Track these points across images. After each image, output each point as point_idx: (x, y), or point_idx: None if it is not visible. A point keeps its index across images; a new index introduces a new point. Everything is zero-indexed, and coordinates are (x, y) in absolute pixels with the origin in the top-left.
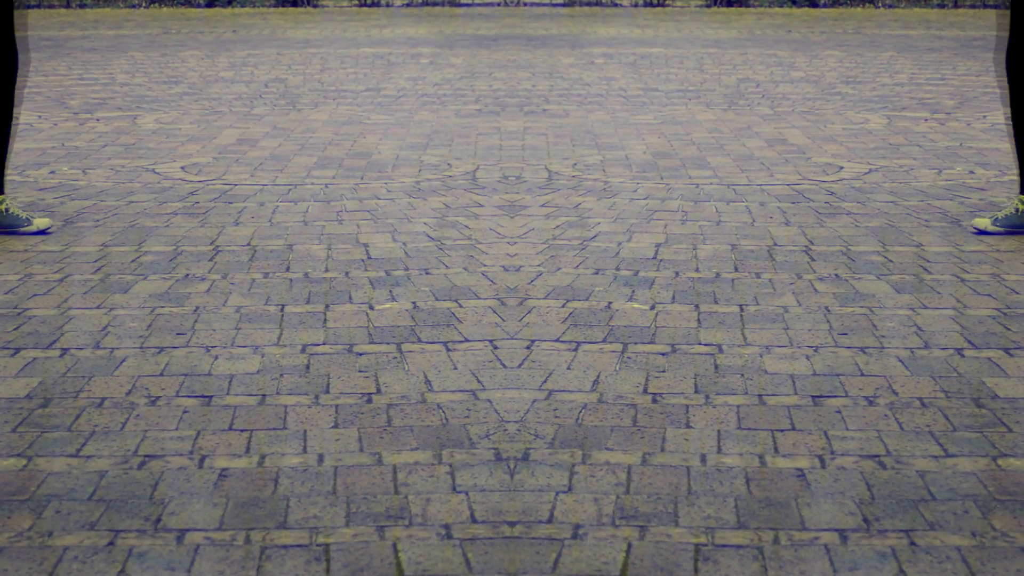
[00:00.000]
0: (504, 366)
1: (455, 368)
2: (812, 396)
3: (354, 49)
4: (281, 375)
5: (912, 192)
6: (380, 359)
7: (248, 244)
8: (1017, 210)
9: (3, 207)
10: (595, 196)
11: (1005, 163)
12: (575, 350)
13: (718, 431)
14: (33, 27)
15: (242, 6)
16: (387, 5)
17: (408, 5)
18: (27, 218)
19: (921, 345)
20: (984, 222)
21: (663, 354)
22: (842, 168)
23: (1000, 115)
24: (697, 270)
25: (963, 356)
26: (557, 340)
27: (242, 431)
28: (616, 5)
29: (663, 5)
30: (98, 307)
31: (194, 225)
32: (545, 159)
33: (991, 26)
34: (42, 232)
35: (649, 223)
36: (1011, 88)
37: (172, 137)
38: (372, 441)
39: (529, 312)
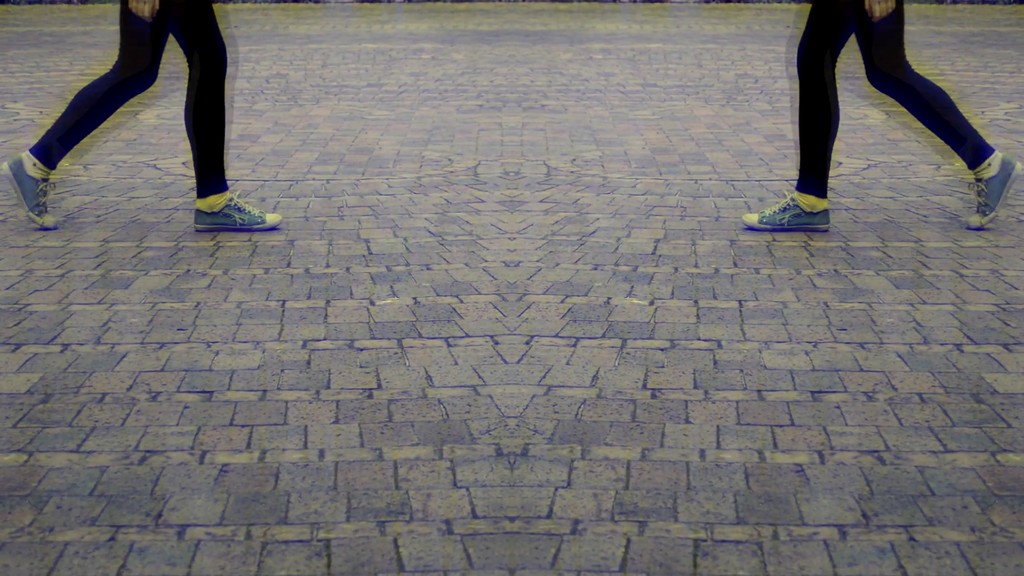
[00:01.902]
0: (505, 362)
1: (456, 364)
2: (811, 391)
3: (355, 45)
4: (282, 370)
5: (911, 188)
6: (381, 354)
7: (249, 240)
8: (789, 206)
9: (231, 203)
10: (594, 192)
11: None
12: (574, 345)
13: (717, 426)
14: (35, 23)
15: (243, 1)
16: (388, 1)
17: (409, 0)
18: (260, 215)
19: (920, 340)
20: (752, 218)
21: (662, 349)
22: (841, 164)
23: (999, 111)
24: (696, 265)
25: (962, 352)
26: (556, 336)
27: (243, 427)
28: (615, 0)
29: (661, 0)
30: (99, 302)
31: (195, 221)
32: (544, 155)
33: (989, 22)
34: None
35: (648, 219)
36: (802, 85)
37: (173, 132)
38: (373, 436)
39: (528, 308)
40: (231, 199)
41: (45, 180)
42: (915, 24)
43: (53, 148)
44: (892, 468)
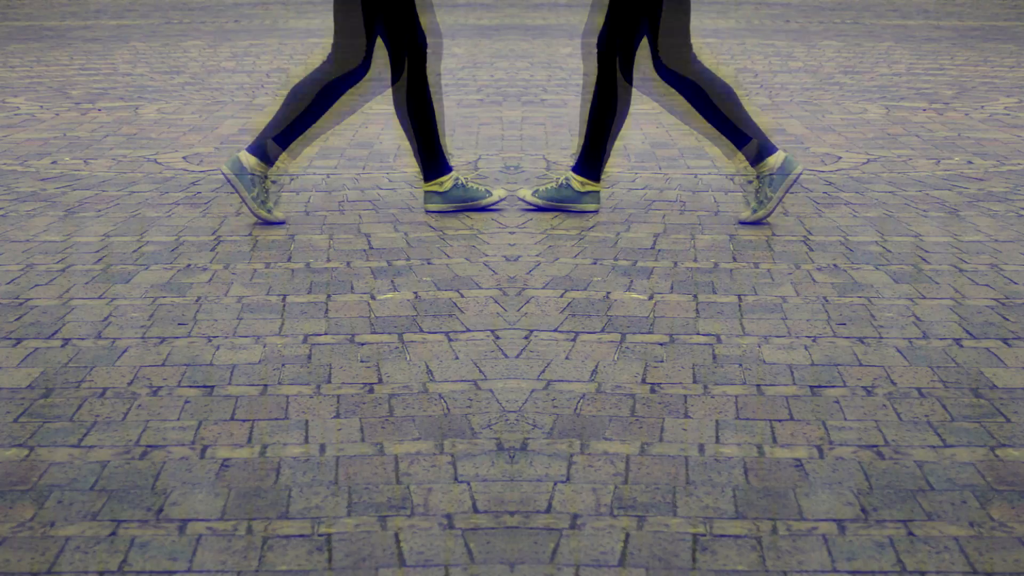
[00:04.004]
0: (506, 356)
1: (456, 358)
2: (810, 386)
3: None
4: (283, 365)
5: (910, 182)
6: (382, 349)
7: (250, 234)
8: (563, 185)
9: (457, 182)
10: None
11: (1003, 153)
12: (573, 340)
13: (716, 421)
14: (35, 17)
15: None
16: None
17: None
18: (486, 190)
19: (919, 335)
20: (526, 192)
21: (661, 344)
22: (840, 158)
23: (998, 105)
24: (695, 260)
25: (961, 346)
26: (555, 330)
27: (244, 421)
28: None
29: None
30: (100, 297)
31: (196, 215)
32: (544, 149)
33: (989, 16)
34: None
35: (647, 213)
36: (600, 71)
37: (174, 127)
38: (374, 431)
39: (528, 302)
40: (457, 178)
41: (264, 177)
42: (915, 18)
43: (269, 146)
44: (891, 463)
